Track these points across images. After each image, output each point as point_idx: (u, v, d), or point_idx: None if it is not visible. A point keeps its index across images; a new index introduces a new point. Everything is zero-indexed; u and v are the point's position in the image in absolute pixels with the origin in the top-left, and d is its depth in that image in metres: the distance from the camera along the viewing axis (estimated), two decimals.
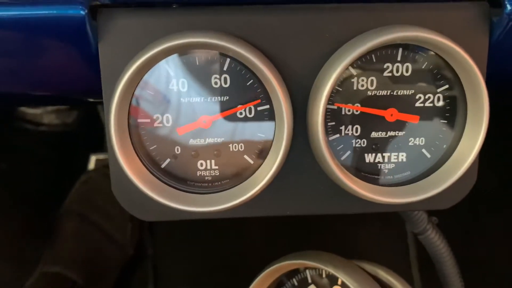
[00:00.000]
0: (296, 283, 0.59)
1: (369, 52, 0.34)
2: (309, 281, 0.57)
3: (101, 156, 1.00)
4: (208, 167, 0.36)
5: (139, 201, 0.35)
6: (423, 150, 0.37)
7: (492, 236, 0.85)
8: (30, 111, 1.07)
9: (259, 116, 0.36)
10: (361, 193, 0.34)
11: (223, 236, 1.00)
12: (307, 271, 0.58)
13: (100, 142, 1.04)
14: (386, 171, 0.37)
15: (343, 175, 0.34)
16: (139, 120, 0.35)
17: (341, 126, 0.36)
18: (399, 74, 0.35)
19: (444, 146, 0.37)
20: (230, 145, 0.36)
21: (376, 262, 0.60)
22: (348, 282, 0.51)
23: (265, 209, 0.36)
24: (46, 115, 1.09)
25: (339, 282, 0.55)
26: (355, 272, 0.52)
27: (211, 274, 0.97)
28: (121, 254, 0.93)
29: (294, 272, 0.60)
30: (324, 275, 0.56)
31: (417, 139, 0.36)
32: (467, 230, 0.82)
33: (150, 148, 0.35)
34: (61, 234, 0.90)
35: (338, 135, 0.36)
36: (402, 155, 0.37)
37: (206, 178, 0.36)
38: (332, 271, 0.53)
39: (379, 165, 0.37)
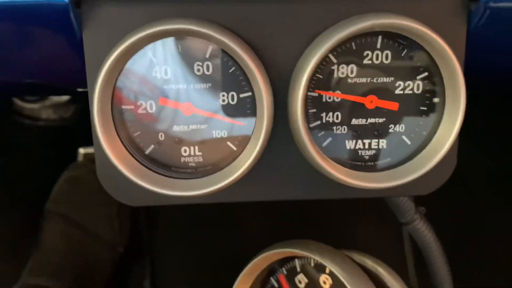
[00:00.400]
0: (285, 272, 0.59)
1: (349, 40, 0.35)
2: (298, 269, 0.58)
3: (90, 150, 0.98)
4: (192, 154, 0.37)
5: (124, 187, 0.36)
6: (403, 137, 0.38)
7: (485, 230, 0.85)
8: (28, 106, 1.07)
9: (242, 103, 0.36)
10: (342, 178, 0.35)
11: (221, 233, 1.00)
12: (296, 260, 0.58)
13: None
14: (367, 157, 0.38)
15: (323, 161, 0.35)
16: (123, 107, 0.36)
17: (322, 113, 0.37)
18: (378, 61, 0.36)
19: (424, 132, 0.37)
20: (214, 132, 0.37)
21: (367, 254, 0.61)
22: (335, 270, 0.52)
23: (248, 195, 0.37)
24: (43, 110, 1.09)
25: (327, 271, 0.56)
26: (343, 261, 0.53)
27: (209, 270, 0.97)
28: (111, 254, 0.91)
29: (285, 260, 0.60)
30: (312, 264, 0.57)
31: (397, 126, 0.37)
32: (458, 223, 0.83)
33: (134, 135, 0.36)
34: (45, 238, 0.88)
35: (319, 122, 0.37)
36: (383, 142, 0.38)
37: (190, 164, 0.37)
38: (319, 259, 0.53)
39: (359, 151, 0.38)
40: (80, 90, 0.69)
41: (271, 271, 0.62)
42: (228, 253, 0.96)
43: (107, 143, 0.33)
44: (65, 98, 1.08)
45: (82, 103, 1.09)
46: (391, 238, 0.88)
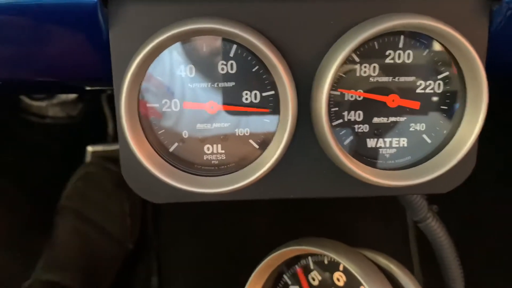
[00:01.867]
0: (326, 261, 0.60)
1: (372, 40, 0.35)
2: (311, 267, 0.59)
3: (99, 148, 0.98)
4: (215, 151, 0.37)
5: (149, 184, 0.36)
6: (424, 136, 0.38)
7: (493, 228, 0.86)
8: (35, 103, 1.07)
9: (264, 102, 0.37)
10: (364, 176, 0.35)
11: (226, 228, 1.01)
12: (309, 258, 0.59)
13: (103, 134, 1.04)
14: (388, 155, 0.38)
15: (346, 159, 0.35)
16: (148, 105, 0.36)
17: (344, 111, 0.37)
18: (400, 61, 0.36)
19: (444, 131, 0.38)
20: (236, 130, 0.37)
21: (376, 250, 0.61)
22: (350, 267, 0.52)
23: (269, 192, 0.38)
24: (51, 108, 1.09)
25: (341, 268, 0.56)
26: (357, 258, 0.53)
27: (215, 265, 0.98)
28: (121, 250, 0.92)
29: (295, 260, 0.61)
30: (326, 262, 0.58)
31: (418, 124, 0.38)
32: (467, 221, 0.83)
33: (159, 133, 0.37)
34: (57, 235, 0.89)
35: (341, 121, 0.37)
36: (403, 140, 0.38)
37: (213, 162, 0.38)
38: (334, 257, 0.54)
39: (380, 150, 0.38)
40: (88, 88, 0.69)
41: (279, 274, 0.62)
42: (234, 248, 0.97)
43: (134, 141, 0.34)
44: (72, 96, 1.08)
45: (89, 102, 1.10)
46: (396, 236, 0.89)
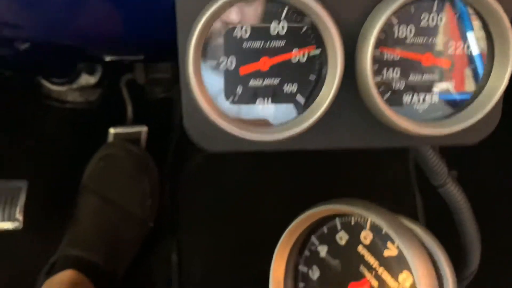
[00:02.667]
0: (325, 231, 0.64)
1: (409, 3, 0.39)
2: (338, 228, 0.63)
3: (120, 130, 1.00)
4: (266, 105, 0.41)
5: (208, 133, 0.40)
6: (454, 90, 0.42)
7: None
8: (56, 88, 1.10)
9: (311, 60, 0.41)
10: (403, 125, 0.39)
11: (242, 209, 1.03)
12: (336, 219, 0.63)
13: (122, 118, 1.07)
14: (421, 111, 0.42)
15: (387, 110, 0.39)
16: (208, 62, 0.40)
17: (383, 69, 0.41)
18: (434, 23, 0.40)
19: (473, 88, 0.42)
20: (285, 86, 0.41)
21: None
22: (381, 224, 0.56)
23: (317, 143, 0.41)
24: (70, 93, 1.13)
25: (368, 226, 0.60)
26: (385, 214, 0.57)
27: (233, 243, 1.00)
28: (141, 229, 0.95)
29: (321, 224, 0.64)
30: (352, 222, 0.62)
31: (451, 80, 0.42)
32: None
33: (214, 86, 0.40)
34: (80, 214, 0.91)
35: (380, 78, 0.41)
36: (435, 97, 0.42)
37: (263, 116, 0.42)
38: (362, 213, 0.57)
39: (414, 105, 0.42)
40: (108, 59, 0.73)
41: (306, 237, 0.66)
42: (250, 227, 1.00)
43: (199, 92, 0.37)
44: (92, 81, 1.11)
45: (107, 87, 1.13)
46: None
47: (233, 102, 0.41)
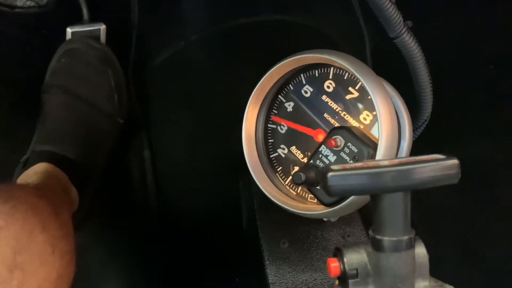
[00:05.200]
0: (291, 87, 0.67)
1: None
2: (304, 82, 0.66)
3: (77, 29, 0.98)
4: None
5: None
6: None
7: None
8: None
9: None
10: None
11: (214, 98, 1.05)
12: (301, 75, 0.66)
13: (77, 20, 1.04)
14: None
15: None
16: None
17: None
18: None
19: None
20: None
21: None
22: (348, 66, 0.58)
23: None
24: None
25: (331, 75, 0.64)
26: (355, 62, 0.59)
27: (205, 130, 1.04)
28: (112, 125, 0.96)
29: (288, 81, 0.67)
30: (317, 75, 0.65)
31: None
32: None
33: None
34: (47, 111, 0.90)
35: None
36: None
37: None
38: (331, 58, 0.60)
39: None
40: None
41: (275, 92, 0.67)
42: (224, 113, 1.03)
43: None
44: None
45: None
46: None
47: None
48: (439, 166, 0.37)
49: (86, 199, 0.91)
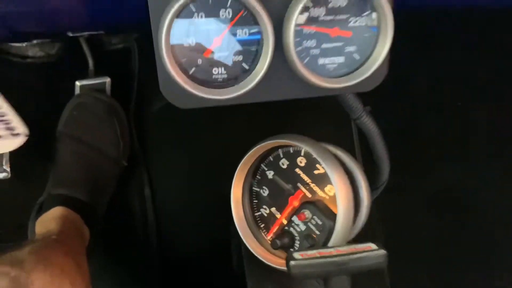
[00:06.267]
0: (272, 159, 0.82)
1: None
2: (281, 156, 0.81)
3: (85, 82, 1.11)
4: (220, 72, 0.56)
5: (179, 95, 0.55)
6: (354, 54, 0.59)
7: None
8: (15, 45, 1.17)
9: (253, 35, 0.55)
10: (317, 82, 0.56)
11: (208, 138, 1.17)
12: (279, 150, 0.81)
13: (83, 70, 1.16)
14: (331, 69, 0.59)
15: (305, 71, 0.55)
16: (175, 42, 0.54)
17: (303, 41, 0.57)
18: (338, 6, 0.56)
19: (368, 51, 0.58)
20: (233, 57, 0.56)
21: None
22: (309, 151, 0.74)
23: (258, 97, 0.57)
24: (30, 48, 1.19)
25: (302, 153, 0.78)
26: (315, 145, 0.75)
27: (201, 170, 1.16)
28: (116, 167, 1.09)
29: (268, 154, 0.82)
30: (291, 151, 0.80)
31: (352, 46, 0.58)
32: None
33: (182, 60, 0.55)
34: (60, 157, 1.03)
35: (301, 47, 0.57)
36: (342, 58, 0.58)
37: (219, 79, 0.57)
38: (298, 144, 0.75)
39: (326, 66, 0.59)
40: (71, 35, 0.83)
41: (257, 164, 0.83)
42: (217, 152, 1.15)
43: (170, 65, 0.52)
44: None
45: (65, 41, 1.20)
46: (344, 133, 1.12)
47: (195, 71, 0.56)
48: (371, 256, 0.52)
49: (95, 234, 1.04)
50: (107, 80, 1.14)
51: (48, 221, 0.96)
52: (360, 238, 0.80)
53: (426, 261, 1.12)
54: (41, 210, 0.99)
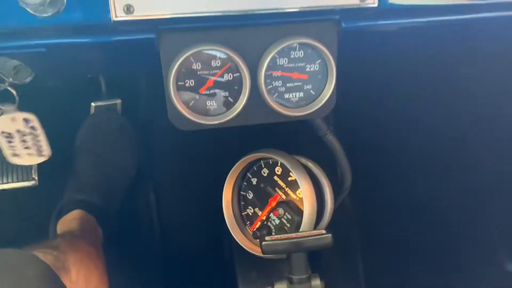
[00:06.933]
0: (255, 169, 1.03)
1: (284, 47, 0.76)
2: (262, 166, 1.02)
3: (99, 103, 1.29)
4: (212, 104, 0.77)
5: (182, 121, 0.76)
6: (311, 91, 0.80)
7: None
8: None
9: (236, 79, 0.77)
10: (284, 112, 0.77)
11: (204, 151, 1.36)
12: (261, 161, 1.02)
13: (97, 93, 1.35)
14: (294, 101, 0.80)
15: (274, 104, 0.77)
16: (179, 83, 0.75)
17: (272, 81, 0.78)
18: (297, 56, 0.77)
19: (321, 88, 0.80)
20: (222, 93, 0.77)
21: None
22: (284, 162, 0.95)
23: (242, 121, 0.78)
24: None
25: (279, 164, 0.99)
26: (287, 157, 0.96)
27: (198, 179, 1.35)
28: (127, 177, 1.27)
29: (253, 164, 1.03)
30: (271, 162, 1.01)
31: (308, 85, 0.79)
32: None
33: (184, 96, 0.76)
34: (79, 168, 1.16)
35: (270, 86, 0.78)
36: (301, 93, 0.80)
37: (211, 109, 0.78)
38: (275, 157, 0.96)
39: (290, 99, 0.80)
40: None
41: (244, 173, 1.04)
42: (212, 163, 1.34)
43: (176, 101, 0.73)
44: None
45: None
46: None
47: (194, 104, 0.77)
48: (320, 238, 0.72)
49: (107, 235, 1.23)
50: (118, 101, 1.32)
51: (69, 221, 1.13)
52: (329, 227, 1.00)
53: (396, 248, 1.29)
54: (61, 212, 1.16)
